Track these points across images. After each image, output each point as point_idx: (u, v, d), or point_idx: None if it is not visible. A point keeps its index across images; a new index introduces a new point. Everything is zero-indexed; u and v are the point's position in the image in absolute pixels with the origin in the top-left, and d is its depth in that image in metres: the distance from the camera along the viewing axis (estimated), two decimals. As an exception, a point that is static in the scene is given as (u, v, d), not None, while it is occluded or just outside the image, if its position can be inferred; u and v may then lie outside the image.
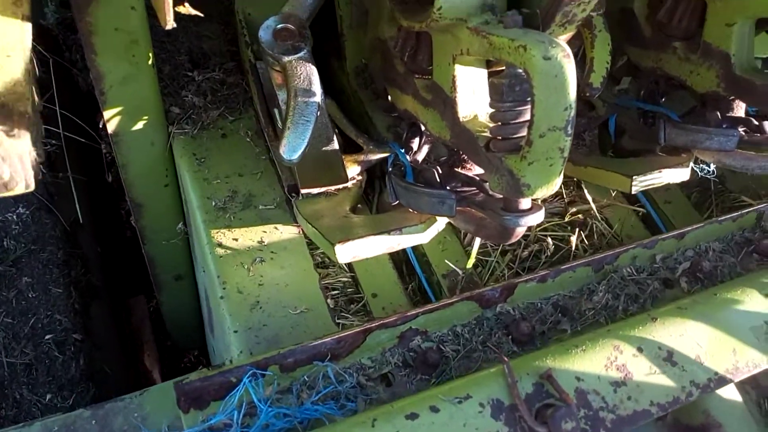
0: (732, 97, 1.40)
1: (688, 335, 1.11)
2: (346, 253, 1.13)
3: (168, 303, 2.10)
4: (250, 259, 1.29)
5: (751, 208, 1.44)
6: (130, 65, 1.28)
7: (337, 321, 1.25)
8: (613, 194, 1.62)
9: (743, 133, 1.39)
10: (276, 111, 1.40)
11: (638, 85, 1.69)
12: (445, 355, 1.13)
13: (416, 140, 1.38)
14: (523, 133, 0.97)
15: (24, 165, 0.83)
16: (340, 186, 1.37)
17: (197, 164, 1.44)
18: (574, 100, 0.86)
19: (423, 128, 1.37)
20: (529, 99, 0.96)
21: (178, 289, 2.03)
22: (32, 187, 0.88)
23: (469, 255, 1.43)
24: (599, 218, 1.54)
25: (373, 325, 1.09)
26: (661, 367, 1.06)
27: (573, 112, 0.87)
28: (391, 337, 1.12)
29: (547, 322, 1.21)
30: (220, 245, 1.31)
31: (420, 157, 1.39)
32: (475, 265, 1.42)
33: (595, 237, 1.51)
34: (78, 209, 2.14)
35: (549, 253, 1.42)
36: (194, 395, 0.99)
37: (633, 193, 1.38)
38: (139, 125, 1.42)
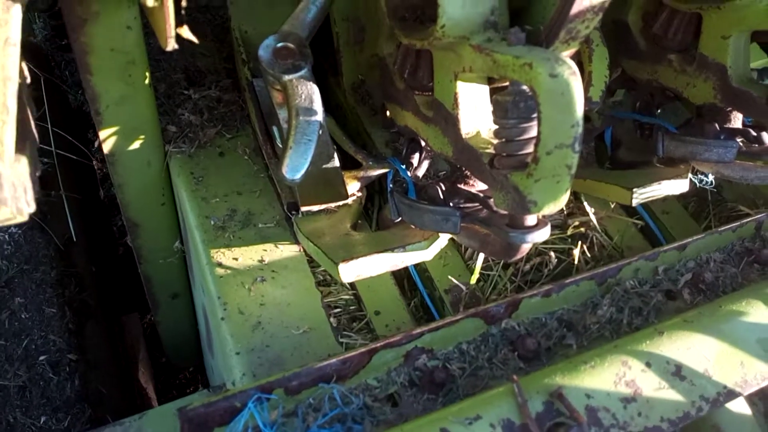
0: (729, 109, 1.41)
1: (695, 349, 1.10)
2: (349, 272, 1.12)
3: (164, 322, 2.08)
4: (251, 279, 1.28)
5: (750, 218, 1.44)
6: (127, 85, 1.27)
7: (341, 340, 1.24)
8: (612, 206, 1.62)
9: (741, 144, 1.40)
10: (275, 129, 1.39)
11: (633, 97, 1.70)
12: (451, 373, 1.11)
13: (416, 156, 1.37)
14: (528, 149, 0.97)
15: (24, 191, 0.81)
16: (341, 203, 1.36)
17: (195, 183, 1.42)
18: (581, 117, 0.86)
19: (423, 144, 1.37)
20: (533, 115, 0.96)
21: (174, 307, 2.01)
22: (30, 212, 0.86)
23: (470, 269, 1.43)
24: (599, 230, 1.54)
25: (379, 344, 1.08)
26: (670, 382, 1.05)
27: (580, 129, 0.86)
28: (396, 356, 1.11)
29: (553, 337, 1.20)
30: (219, 265, 1.29)
31: (420, 172, 1.38)
32: (477, 280, 1.41)
33: (596, 249, 1.50)
34: (71, 227, 2.11)
35: (551, 267, 1.42)
36: (198, 421, 0.97)
37: (633, 205, 1.38)
38: (136, 145, 1.40)
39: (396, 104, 1.32)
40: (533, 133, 0.96)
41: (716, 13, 1.33)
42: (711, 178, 1.63)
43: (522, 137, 0.96)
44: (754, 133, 1.41)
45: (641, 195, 1.39)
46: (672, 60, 1.47)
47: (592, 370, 1.04)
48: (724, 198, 1.73)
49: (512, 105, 0.95)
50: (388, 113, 1.45)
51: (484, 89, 1.10)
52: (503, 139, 0.99)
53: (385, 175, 1.43)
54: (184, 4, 0.86)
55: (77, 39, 1.16)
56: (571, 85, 0.84)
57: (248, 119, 1.56)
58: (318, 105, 1.09)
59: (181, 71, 1.65)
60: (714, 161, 1.39)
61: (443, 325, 1.13)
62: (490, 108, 1.09)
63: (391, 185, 1.35)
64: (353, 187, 1.38)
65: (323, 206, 1.34)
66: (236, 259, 1.30)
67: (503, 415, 0.95)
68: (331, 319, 1.26)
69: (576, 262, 1.42)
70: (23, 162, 0.86)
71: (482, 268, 1.41)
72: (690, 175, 1.47)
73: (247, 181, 1.45)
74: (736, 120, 1.45)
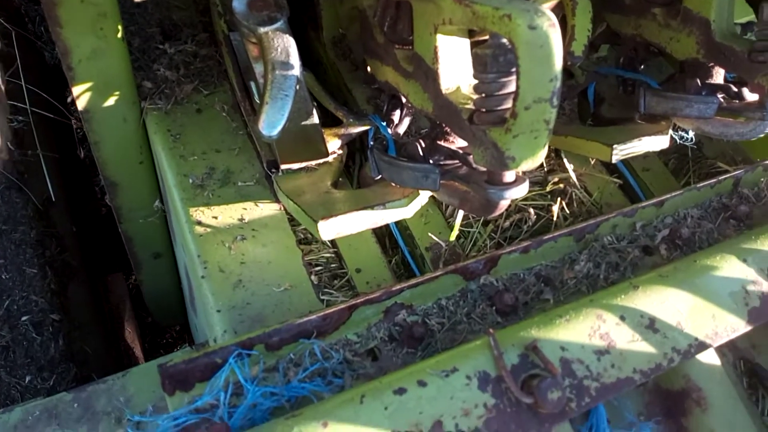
0: (711, 64, 1.40)
1: (669, 302, 1.12)
2: (329, 229, 1.12)
3: (147, 281, 2.08)
4: (231, 237, 1.27)
5: (728, 175, 1.45)
6: (99, 39, 1.23)
7: (322, 297, 1.25)
8: (592, 162, 1.62)
9: (722, 100, 1.40)
10: (252, 84, 1.36)
11: (617, 52, 1.68)
12: (430, 328, 1.13)
13: (397, 112, 1.36)
14: (508, 105, 0.96)
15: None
16: (321, 161, 1.34)
17: (172, 141, 1.40)
18: (560, 71, 0.85)
19: (404, 100, 1.35)
20: (513, 70, 0.95)
21: (157, 267, 2.00)
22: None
23: (451, 227, 1.43)
24: (579, 187, 1.54)
25: (359, 301, 1.09)
26: (643, 335, 1.07)
27: (559, 83, 0.85)
28: (376, 312, 1.12)
29: (530, 292, 1.22)
30: (199, 224, 1.28)
31: (401, 129, 1.37)
32: (457, 237, 1.41)
33: (575, 205, 1.51)
34: (50, 187, 2.08)
35: (531, 223, 1.43)
36: (179, 377, 0.98)
37: (613, 162, 1.38)
38: (111, 101, 1.37)
39: (376, 59, 1.30)
40: (513, 87, 0.94)
41: (701, -35, 1.31)
42: (691, 134, 1.63)
43: (501, 92, 0.95)
44: (735, 89, 1.40)
45: (621, 151, 1.39)
46: (656, 14, 1.45)
47: (567, 323, 1.06)
48: (705, 155, 1.74)
49: (492, 59, 0.94)
50: (369, 69, 1.43)
51: (465, 43, 1.08)
52: (482, 94, 0.98)
53: (366, 132, 1.41)
54: (151, -49, 0.83)
55: (44, -10, 1.12)
56: (550, 37, 0.83)
57: (226, 75, 1.53)
58: (295, 58, 1.07)
59: (156, 25, 1.60)
60: (695, 117, 1.39)
61: (423, 282, 1.14)
62: (471, 62, 1.08)
63: (371, 142, 1.34)
64: (334, 144, 1.37)
65: (303, 164, 1.33)
66: (216, 217, 1.30)
67: (479, 367, 0.97)
68: (312, 277, 1.27)
69: (555, 218, 1.43)
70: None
71: (462, 225, 1.41)
72: (671, 132, 1.47)
73: (225, 138, 1.43)
74: (718, 76, 1.44)
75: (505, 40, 0.95)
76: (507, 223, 1.42)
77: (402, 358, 1.10)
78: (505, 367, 0.96)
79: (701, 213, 1.43)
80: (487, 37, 1.08)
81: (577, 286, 1.25)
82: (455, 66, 1.07)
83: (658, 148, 1.44)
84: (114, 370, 2.30)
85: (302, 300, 1.22)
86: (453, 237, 1.36)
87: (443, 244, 1.35)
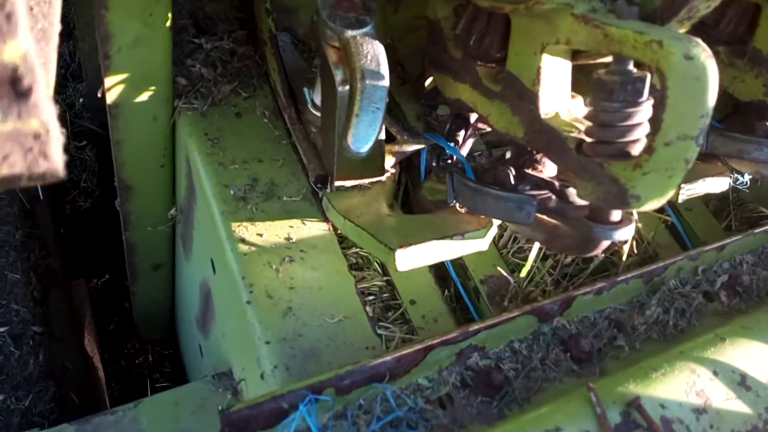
0: (778, 107, 1.36)
1: (756, 357, 1.06)
2: (407, 259, 1.00)
3: (141, 293, 1.90)
4: (278, 259, 1.14)
5: (782, 221, 1.42)
6: (145, 26, 1.09)
7: (379, 332, 1.12)
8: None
9: (786, 145, 1.36)
10: (306, 90, 1.24)
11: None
12: (505, 374, 1.03)
13: (462, 133, 1.26)
14: (630, 137, 0.87)
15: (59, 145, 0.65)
16: (375, 179, 1.23)
17: (210, 146, 1.26)
18: (711, 108, 0.77)
19: (471, 120, 1.26)
20: (640, 99, 0.87)
21: (154, 278, 1.83)
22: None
23: (504, 258, 1.34)
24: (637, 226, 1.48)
25: (435, 341, 0.98)
26: (736, 392, 1.00)
27: (708, 120, 0.77)
28: (449, 354, 1.01)
29: (603, 337, 1.14)
30: (242, 241, 1.14)
31: (464, 151, 1.27)
32: (511, 270, 1.32)
33: (633, 245, 1.45)
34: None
35: (597, 262, 1.35)
36: (241, 424, 0.84)
37: (680, 201, 1.32)
38: (144, 96, 1.22)
39: (447, 74, 1.19)
40: (638, 119, 0.86)
41: (779, 6, 1.27)
42: (746, 178, 1.60)
43: (625, 123, 0.86)
44: (801, 134, 1.37)
45: (687, 191, 1.33)
46: (719, 52, 1.40)
47: (663, 377, 0.98)
48: (742, 198, 1.71)
49: (620, 86, 0.85)
50: (426, 83, 1.33)
51: (567, 65, 0.99)
52: (600, 124, 0.89)
53: (417, 151, 1.31)
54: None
55: (95, -35, 0.97)
56: (707, 69, 0.75)
57: (266, 77, 1.39)
58: (385, 68, 0.96)
59: (188, 16, 1.46)
60: (762, 161, 1.34)
61: (499, 323, 1.03)
62: (569, 87, 0.99)
63: (434, 164, 1.23)
64: (387, 162, 1.25)
65: (357, 182, 1.21)
66: (260, 235, 1.16)
67: (582, 426, 0.88)
68: (366, 308, 1.15)
69: (624, 258, 1.36)
70: (52, 114, 0.70)
71: (519, 258, 1.32)
72: (726, 174, 1.42)
73: (267, 147, 1.29)
74: (782, 119, 1.40)
75: (631, 68, 0.86)
76: (568, 260, 1.34)
77: (476, 407, 0.99)
78: (609, 427, 0.87)
79: (755, 259, 1.39)
80: (592, 61, 1.00)
81: (647, 332, 1.17)
82: (556, 89, 0.99)
83: (719, 190, 1.38)
84: (88, 387, 2.10)
85: (357, 333, 1.10)
86: (524, 273, 1.26)
87: (512, 280, 1.25)
